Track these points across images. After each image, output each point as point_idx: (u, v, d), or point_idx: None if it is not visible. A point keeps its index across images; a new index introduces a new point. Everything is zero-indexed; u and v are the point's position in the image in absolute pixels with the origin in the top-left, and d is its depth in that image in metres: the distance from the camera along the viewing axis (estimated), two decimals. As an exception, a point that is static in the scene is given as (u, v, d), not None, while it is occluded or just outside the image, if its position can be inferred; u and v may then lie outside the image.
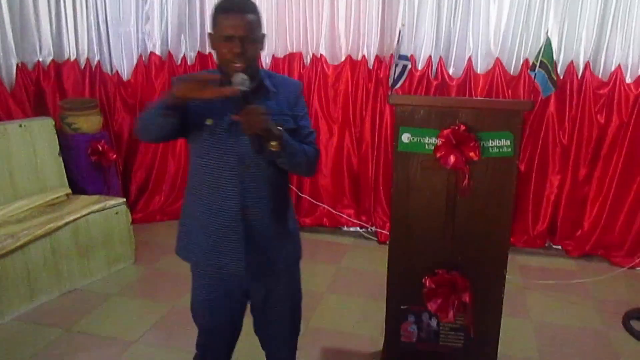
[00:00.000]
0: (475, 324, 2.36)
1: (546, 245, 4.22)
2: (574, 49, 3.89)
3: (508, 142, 2.17)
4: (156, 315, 3.11)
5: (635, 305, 3.29)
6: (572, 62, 3.89)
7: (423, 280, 2.34)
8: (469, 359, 2.45)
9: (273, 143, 1.61)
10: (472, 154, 2.14)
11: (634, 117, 3.83)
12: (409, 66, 3.90)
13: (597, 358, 2.83)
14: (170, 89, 1.61)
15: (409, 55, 3.95)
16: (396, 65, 3.63)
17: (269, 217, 1.80)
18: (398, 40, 3.79)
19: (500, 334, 2.44)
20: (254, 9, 1.68)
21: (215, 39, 1.69)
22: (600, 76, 3.89)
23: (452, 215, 2.27)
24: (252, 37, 1.66)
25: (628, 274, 3.81)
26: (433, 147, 2.20)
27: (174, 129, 1.64)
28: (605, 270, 3.82)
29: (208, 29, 4.34)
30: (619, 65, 3.82)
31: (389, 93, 3.82)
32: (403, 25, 3.92)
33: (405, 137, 2.23)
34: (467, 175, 2.19)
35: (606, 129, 3.94)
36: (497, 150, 2.17)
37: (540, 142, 4.06)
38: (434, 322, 2.43)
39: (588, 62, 3.87)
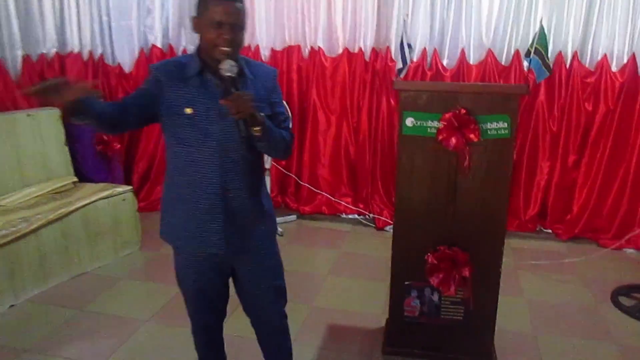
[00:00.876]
0: (475, 297, 2.51)
1: (537, 229, 4.39)
2: (563, 40, 4.05)
3: (505, 125, 2.31)
4: (165, 297, 3.22)
5: (623, 283, 3.47)
6: (560, 52, 4.05)
7: (426, 256, 2.48)
8: (469, 331, 2.60)
9: (256, 128, 1.69)
10: (472, 135, 2.29)
11: (619, 104, 4.00)
12: (412, 54, 4.04)
13: (588, 332, 2.99)
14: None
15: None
16: (403, 54, 3.79)
17: (247, 196, 1.88)
18: (403, 31, 3.93)
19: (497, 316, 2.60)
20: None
21: (203, 23, 1.73)
22: (587, 65, 4.06)
23: (453, 194, 2.42)
24: (241, 24, 1.74)
25: (615, 255, 4.00)
26: (435, 130, 2.34)
27: (134, 121, 1.79)
28: (594, 251, 4.01)
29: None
30: (605, 54, 3.99)
31: (394, 79, 3.96)
32: (407, 15, 4.07)
33: (409, 121, 2.37)
34: (467, 156, 2.33)
35: (593, 117, 4.11)
36: (495, 132, 2.32)
37: (531, 130, 4.22)
38: (435, 297, 2.57)
39: (576, 52, 4.04)
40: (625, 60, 3.98)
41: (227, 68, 1.68)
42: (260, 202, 1.95)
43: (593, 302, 3.31)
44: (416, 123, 2.36)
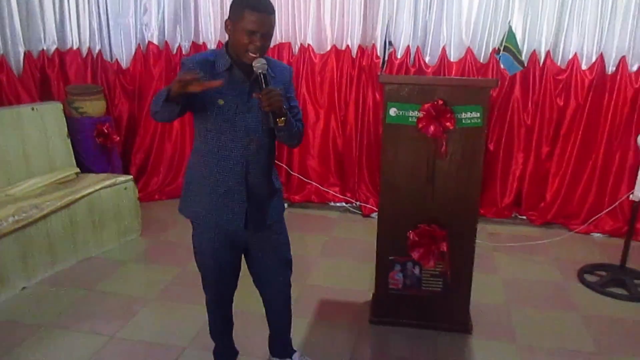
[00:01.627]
0: (452, 269, 2.78)
1: (513, 215, 4.70)
2: (536, 39, 4.34)
3: (478, 114, 2.59)
4: (169, 277, 3.46)
5: (588, 262, 3.77)
6: (534, 51, 4.35)
7: (407, 233, 2.75)
8: (447, 301, 2.88)
9: (281, 119, 1.93)
10: (448, 124, 2.56)
11: (589, 100, 4.31)
12: (391, 50, 4.31)
13: (556, 304, 3.29)
14: (175, 79, 1.81)
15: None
16: (385, 50, 4.05)
17: (264, 178, 2.14)
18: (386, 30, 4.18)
19: (473, 287, 2.88)
20: (274, 10, 1.96)
21: (236, 28, 1.89)
22: (559, 64, 4.36)
23: (432, 176, 2.68)
24: (271, 33, 1.96)
25: (583, 238, 4.33)
26: (416, 119, 2.60)
27: (181, 111, 1.93)
28: (564, 235, 4.32)
29: (202, 20, 4.70)
30: (576, 53, 4.29)
31: (379, 73, 4.22)
32: (390, 16, 4.37)
33: (393, 111, 2.63)
34: (444, 143, 2.61)
35: (565, 111, 4.41)
36: (469, 121, 2.59)
37: (507, 123, 4.52)
38: (417, 270, 2.85)
39: (548, 51, 4.34)
40: (594, 59, 4.28)
41: (259, 66, 1.90)
42: (272, 182, 2.20)
43: (561, 279, 3.61)
44: (399, 113, 2.63)
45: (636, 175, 3.40)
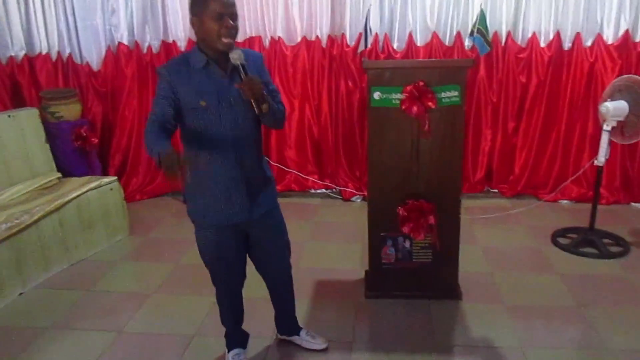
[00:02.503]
0: (440, 240, 2.97)
1: (485, 189, 4.94)
2: (497, 21, 4.55)
3: (456, 93, 2.76)
4: (164, 273, 3.53)
5: (559, 227, 4.04)
6: (496, 31, 4.55)
7: (397, 209, 2.91)
8: (437, 271, 3.07)
9: (264, 106, 2.03)
10: (430, 103, 2.72)
11: (549, 76, 4.56)
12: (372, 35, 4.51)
13: (534, 266, 3.53)
14: (159, 150, 1.81)
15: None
16: (367, 36, 4.25)
17: (257, 165, 2.23)
18: (367, 18, 4.36)
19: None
20: None
21: (204, 19, 1.95)
22: (519, 43, 4.59)
23: (417, 154, 2.85)
24: (236, 13, 2.00)
25: (552, 206, 4.61)
26: (399, 101, 2.75)
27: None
28: (535, 204, 4.60)
29: (171, 18, 4.72)
30: (534, 32, 4.52)
31: (363, 59, 4.37)
32: (371, 4, 4.50)
33: (377, 95, 2.78)
34: (427, 122, 2.77)
35: (527, 88, 4.65)
36: (449, 100, 2.76)
37: (474, 102, 4.73)
38: (407, 244, 3.02)
39: (509, 31, 4.56)
40: (551, 37, 4.52)
41: (236, 57, 1.98)
42: (264, 169, 2.30)
43: (536, 243, 3.86)
44: (382, 96, 2.77)
45: (597, 143, 3.65)
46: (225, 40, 1.98)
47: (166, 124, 2.01)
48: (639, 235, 3.94)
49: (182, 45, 4.91)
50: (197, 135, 2.07)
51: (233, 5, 2.00)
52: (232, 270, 2.38)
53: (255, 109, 2.02)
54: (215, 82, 2.05)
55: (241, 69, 1.99)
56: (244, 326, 2.61)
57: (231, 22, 1.97)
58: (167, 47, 4.92)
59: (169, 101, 2.02)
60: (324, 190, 5.03)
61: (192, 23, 2.04)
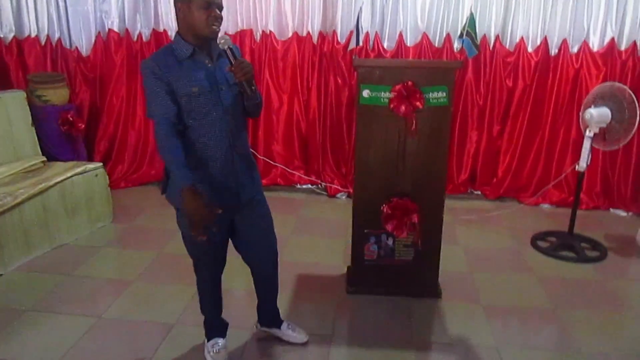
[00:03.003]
0: (422, 239, 3.01)
1: (468, 191, 5.00)
2: (486, 24, 4.61)
3: (444, 94, 2.80)
4: (147, 260, 3.54)
5: (540, 230, 4.11)
6: (484, 35, 4.61)
7: (381, 207, 2.95)
8: (418, 269, 3.11)
9: (253, 87, 2.10)
10: (418, 103, 2.76)
11: (535, 80, 4.63)
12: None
13: (513, 268, 3.59)
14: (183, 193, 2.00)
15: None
16: (358, 35, 4.30)
17: (246, 151, 2.28)
18: (359, 16, 4.40)
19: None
20: None
21: (192, 8, 2.00)
22: (507, 47, 4.65)
23: (403, 153, 2.89)
24: (222, 5, 2.09)
25: (533, 209, 4.69)
26: (388, 100, 2.79)
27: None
28: (516, 207, 4.66)
29: (162, 7, 4.71)
30: (522, 37, 4.60)
31: (353, 57, 4.40)
32: (363, 2, 4.53)
33: (366, 93, 2.81)
34: (414, 121, 2.81)
35: (514, 92, 4.72)
36: (436, 100, 2.80)
37: (461, 103, 4.79)
38: (390, 241, 3.05)
39: (498, 35, 4.62)
40: (538, 42, 4.60)
41: (224, 42, 2.05)
42: (250, 154, 2.34)
43: (516, 245, 3.92)
44: (371, 94, 2.80)
45: (580, 148, 3.72)
46: (214, 27, 2.04)
47: (177, 125, 2.06)
48: (616, 241, 4.02)
49: (172, 34, 4.86)
50: (189, 120, 2.10)
51: None
52: (215, 255, 2.39)
53: (247, 89, 2.09)
54: (204, 69, 2.09)
55: (230, 52, 2.05)
56: (223, 316, 2.62)
57: (217, 11, 2.05)
58: (158, 35, 4.91)
59: (171, 96, 2.04)
60: (309, 186, 5.06)
61: (179, 10, 2.06)
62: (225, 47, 2.05)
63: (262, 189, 2.43)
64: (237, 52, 2.15)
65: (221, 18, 2.06)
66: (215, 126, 2.12)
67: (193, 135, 2.12)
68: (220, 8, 2.07)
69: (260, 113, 2.38)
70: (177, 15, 2.08)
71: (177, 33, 2.11)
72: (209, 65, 2.11)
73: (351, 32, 4.58)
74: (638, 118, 3.37)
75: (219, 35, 2.07)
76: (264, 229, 2.43)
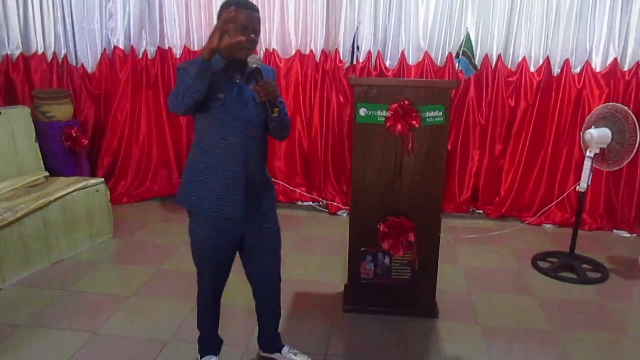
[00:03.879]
0: (419, 258, 2.99)
1: (470, 210, 4.98)
2: (488, 44, 4.64)
3: (440, 113, 2.81)
4: (144, 276, 3.54)
5: (541, 251, 4.07)
6: (487, 54, 4.64)
7: (378, 225, 2.94)
8: (415, 288, 3.09)
9: (276, 109, 2.15)
10: (414, 122, 2.76)
11: (537, 100, 4.63)
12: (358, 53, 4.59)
13: (513, 289, 3.55)
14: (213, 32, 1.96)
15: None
16: (353, 53, 4.33)
17: (260, 168, 2.31)
18: (355, 35, 4.47)
19: (437, 276, 3.09)
20: (258, 10, 2.18)
21: (230, 29, 2.04)
22: (509, 66, 4.66)
23: (399, 172, 2.89)
24: (258, 30, 2.18)
25: (535, 229, 4.65)
26: (384, 118, 2.80)
27: (202, 96, 2.04)
28: (518, 226, 4.63)
29: (168, 25, 4.77)
30: (524, 57, 4.61)
31: (350, 75, 4.43)
32: (359, 22, 4.58)
33: (362, 111, 2.83)
34: (410, 140, 2.81)
35: (516, 111, 4.72)
36: (433, 119, 2.81)
37: (463, 123, 4.79)
38: (387, 260, 3.04)
39: (500, 54, 4.64)
40: (541, 62, 4.60)
41: (254, 61, 2.12)
42: (266, 174, 2.38)
43: (517, 266, 3.89)
44: (368, 112, 2.82)
45: (582, 168, 3.71)
46: (246, 50, 2.11)
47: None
48: (618, 262, 3.98)
49: (177, 52, 4.96)
50: (210, 127, 2.17)
51: (257, 21, 2.17)
52: (219, 268, 2.40)
53: (269, 110, 2.14)
54: (233, 83, 2.17)
55: (257, 72, 2.12)
56: (218, 332, 2.61)
57: (253, 35, 2.12)
58: (163, 53, 4.97)
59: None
60: (310, 203, 5.06)
61: None
62: (253, 66, 2.12)
63: (275, 211, 2.47)
64: (272, 74, 2.26)
65: (255, 42, 2.15)
66: (233, 138, 2.17)
67: (212, 141, 2.18)
68: (256, 32, 2.16)
69: (286, 137, 2.43)
70: None
71: None
72: (238, 81, 2.18)
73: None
74: (638, 139, 3.34)
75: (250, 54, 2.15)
76: (269, 247, 2.45)
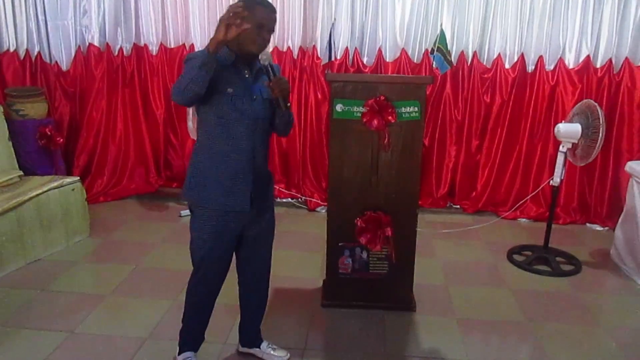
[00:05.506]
0: (396, 253, 3.02)
1: (447, 205, 5.04)
2: (464, 41, 4.69)
3: (416, 109, 2.84)
4: (122, 274, 3.51)
5: (516, 244, 4.14)
6: (462, 51, 4.69)
7: (355, 220, 2.96)
8: (392, 282, 3.12)
9: (288, 104, 2.19)
10: (390, 117, 2.79)
11: (512, 96, 4.70)
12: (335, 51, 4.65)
13: (489, 281, 3.61)
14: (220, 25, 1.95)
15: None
16: (331, 50, 4.37)
17: (265, 163, 2.36)
18: (331, 32, 4.51)
19: (415, 270, 3.13)
20: (276, 10, 2.20)
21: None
22: (485, 63, 4.73)
23: (376, 167, 2.91)
24: (273, 29, 2.19)
25: (511, 223, 4.74)
26: (360, 114, 2.82)
27: (204, 89, 2.03)
28: (494, 220, 4.70)
29: (143, 22, 4.72)
30: (500, 54, 4.67)
31: (327, 71, 4.44)
32: (334, 19, 4.62)
33: (339, 107, 2.84)
34: (387, 135, 2.84)
35: (491, 107, 4.79)
36: (408, 115, 2.84)
37: (440, 119, 4.84)
38: (364, 254, 3.07)
39: (475, 51, 4.70)
40: (515, 59, 4.67)
41: (266, 57, 2.16)
42: (268, 169, 2.41)
43: (493, 259, 3.95)
44: (344, 108, 2.84)
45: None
46: (259, 46, 2.15)
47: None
48: (591, 255, 4.07)
49: (153, 49, 4.92)
50: (217, 121, 2.17)
51: (274, 21, 2.19)
52: (220, 263, 2.39)
53: (282, 105, 2.18)
54: (242, 78, 2.18)
55: (270, 69, 2.15)
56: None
57: (266, 33, 2.15)
58: (139, 50, 4.93)
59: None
60: (289, 200, 5.06)
61: None
62: (266, 63, 2.15)
63: (274, 207, 2.49)
64: (278, 71, 2.27)
65: (268, 41, 2.17)
66: (242, 133, 2.18)
67: (219, 135, 2.18)
68: (270, 32, 2.17)
69: (289, 132, 2.48)
70: None
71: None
72: (247, 76, 2.20)
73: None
74: (600, 134, 3.40)
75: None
76: (266, 241, 2.49)
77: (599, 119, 3.42)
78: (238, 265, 2.51)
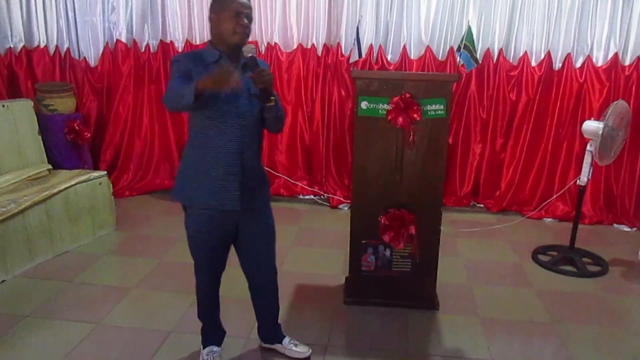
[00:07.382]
0: (419, 251, 3.01)
1: (471, 204, 5.00)
2: (490, 38, 4.64)
3: (442, 106, 2.82)
4: (147, 268, 3.57)
5: (541, 244, 4.09)
6: (488, 49, 4.64)
7: (379, 218, 2.96)
8: (415, 281, 3.11)
9: (272, 98, 2.17)
10: (415, 115, 2.78)
11: (538, 94, 4.64)
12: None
13: (513, 282, 3.58)
14: (200, 79, 1.97)
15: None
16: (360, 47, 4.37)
17: (256, 162, 2.33)
18: (357, 29, 4.50)
19: (438, 269, 3.11)
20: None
21: (223, 17, 2.12)
22: (511, 61, 4.67)
23: (400, 164, 2.90)
24: (251, 16, 2.20)
25: (536, 223, 4.68)
26: (385, 112, 2.81)
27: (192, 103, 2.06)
28: (519, 220, 4.65)
29: (170, 19, 4.77)
30: (526, 51, 4.61)
31: (352, 69, 4.44)
32: (361, 16, 4.60)
33: (364, 105, 2.84)
34: (412, 133, 2.83)
35: (517, 105, 4.73)
36: (434, 112, 2.82)
37: (464, 117, 4.80)
38: (387, 252, 3.06)
39: (501, 49, 4.64)
40: (542, 57, 4.61)
41: (249, 50, 2.16)
42: (262, 168, 2.39)
43: (517, 259, 3.91)
44: (370, 106, 2.83)
45: (582, 162, 3.72)
46: (239, 35, 2.14)
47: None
48: (618, 256, 4.00)
49: (179, 46, 4.97)
50: (205, 120, 2.18)
51: (250, 8, 2.19)
52: (215, 260, 2.41)
53: (263, 98, 2.15)
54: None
55: (253, 61, 2.14)
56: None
57: (246, 20, 2.15)
58: (165, 47, 4.98)
59: (188, 75, 2.12)
60: (312, 197, 5.08)
61: (210, 19, 2.21)
62: (248, 55, 2.15)
63: (270, 204, 2.47)
64: (264, 65, 2.25)
65: (248, 28, 2.18)
66: (228, 130, 2.18)
67: (207, 133, 2.19)
68: (249, 18, 2.18)
69: (281, 129, 2.47)
70: (210, 24, 2.21)
71: (209, 41, 2.24)
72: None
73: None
74: (621, 134, 3.33)
75: (245, 44, 2.18)
76: (264, 239, 2.46)
77: (623, 118, 3.36)
78: (243, 270, 2.52)
